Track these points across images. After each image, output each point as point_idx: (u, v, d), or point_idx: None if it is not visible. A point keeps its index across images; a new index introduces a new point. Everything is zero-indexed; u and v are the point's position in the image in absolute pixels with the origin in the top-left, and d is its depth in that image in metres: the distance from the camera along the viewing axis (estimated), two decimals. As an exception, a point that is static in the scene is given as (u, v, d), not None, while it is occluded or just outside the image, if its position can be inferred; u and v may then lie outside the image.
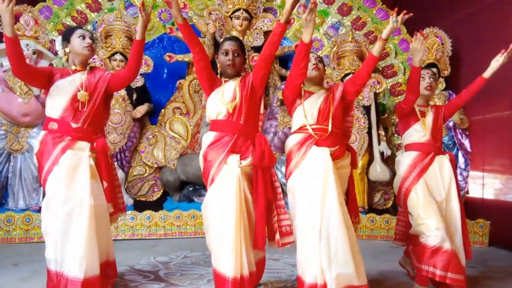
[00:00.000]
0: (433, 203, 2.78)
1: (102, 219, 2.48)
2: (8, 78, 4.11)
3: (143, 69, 4.71)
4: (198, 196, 4.60)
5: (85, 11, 5.09)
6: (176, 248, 3.77)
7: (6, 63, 4.15)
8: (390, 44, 5.36)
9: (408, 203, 2.84)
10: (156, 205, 4.50)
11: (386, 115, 5.13)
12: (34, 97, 4.13)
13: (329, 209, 2.33)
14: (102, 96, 2.57)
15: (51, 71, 2.55)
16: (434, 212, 2.73)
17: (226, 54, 2.54)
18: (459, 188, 2.95)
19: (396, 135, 5.07)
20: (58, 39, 2.66)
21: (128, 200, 4.44)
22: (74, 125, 2.47)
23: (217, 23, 4.87)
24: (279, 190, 2.52)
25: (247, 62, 4.93)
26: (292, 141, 2.57)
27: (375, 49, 2.52)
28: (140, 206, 4.41)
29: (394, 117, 4.95)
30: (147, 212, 4.16)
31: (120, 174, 4.40)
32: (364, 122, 4.74)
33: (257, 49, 4.99)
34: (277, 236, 2.43)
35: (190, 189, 4.66)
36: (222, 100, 2.48)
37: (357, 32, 5.23)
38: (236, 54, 2.53)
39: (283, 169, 4.59)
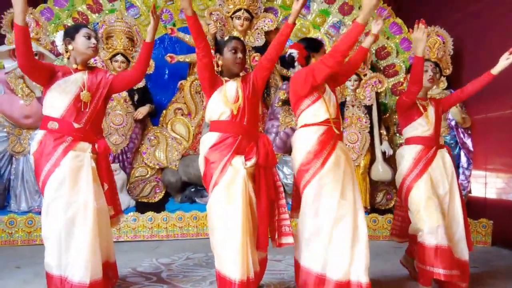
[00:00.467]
0: (435, 199, 2.78)
1: (103, 222, 2.47)
2: (10, 80, 4.11)
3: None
4: (200, 197, 4.60)
5: (86, 12, 5.09)
6: (179, 249, 3.77)
7: (8, 65, 4.18)
8: (391, 43, 5.35)
9: (409, 199, 2.84)
10: (158, 207, 4.50)
11: (387, 114, 5.12)
12: (36, 99, 4.13)
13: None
14: (104, 97, 2.55)
15: (53, 68, 2.49)
16: (435, 209, 2.73)
17: (235, 52, 2.50)
18: (458, 182, 2.97)
19: (398, 134, 5.06)
20: (60, 34, 2.54)
21: (130, 202, 4.44)
22: (76, 126, 2.43)
23: (218, 23, 4.86)
24: (281, 189, 2.52)
25: (248, 62, 4.93)
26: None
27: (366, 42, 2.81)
28: (142, 207, 4.41)
29: (396, 116, 4.94)
30: (149, 214, 4.16)
31: (122, 175, 4.41)
32: (365, 122, 4.73)
33: (258, 49, 4.98)
34: (276, 236, 2.44)
35: (192, 190, 4.66)
36: (225, 100, 2.45)
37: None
38: (243, 53, 2.52)
39: (285, 169, 4.62)
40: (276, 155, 4.63)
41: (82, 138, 2.44)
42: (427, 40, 4.73)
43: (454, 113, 4.63)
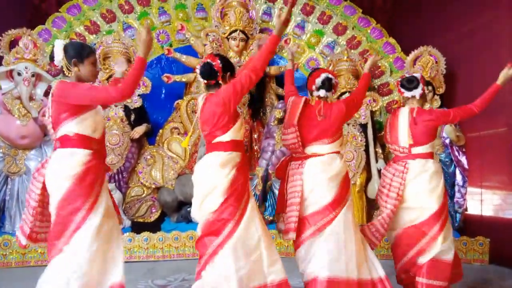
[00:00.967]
0: None
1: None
2: (6, 101, 4.13)
3: (141, 90, 4.75)
4: (196, 216, 4.57)
5: (84, 33, 5.15)
6: (174, 270, 3.73)
7: (5, 86, 4.20)
8: (385, 62, 5.43)
9: None
10: (154, 226, 4.47)
11: (383, 132, 5.15)
12: (33, 119, 4.14)
13: None
14: None
15: None
16: None
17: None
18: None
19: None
20: (58, 43, 2.38)
21: (126, 222, 4.41)
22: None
23: (214, 44, 4.93)
24: None
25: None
26: None
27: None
28: (137, 227, 4.38)
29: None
30: (145, 234, 4.13)
31: (117, 195, 4.39)
32: (361, 140, 4.76)
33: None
34: None
35: (189, 209, 4.61)
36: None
37: (352, 51, 5.30)
38: None
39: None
40: (272, 173, 4.64)
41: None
42: (420, 60, 4.83)
43: (448, 131, 4.67)
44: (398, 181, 2.91)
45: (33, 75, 4.18)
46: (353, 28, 5.53)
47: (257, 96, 5.03)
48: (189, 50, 5.23)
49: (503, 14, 4.40)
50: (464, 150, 4.74)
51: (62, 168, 2.28)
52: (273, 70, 5.22)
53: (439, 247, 2.82)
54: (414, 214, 2.90)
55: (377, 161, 4.76)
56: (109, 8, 5.25)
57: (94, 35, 5.17)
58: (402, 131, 2.97)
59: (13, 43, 4.30)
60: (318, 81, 2.81)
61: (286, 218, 2.77)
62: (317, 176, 2.71)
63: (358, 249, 2.70)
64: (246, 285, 2.38)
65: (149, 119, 4.86)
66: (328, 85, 2.81)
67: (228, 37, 5.02)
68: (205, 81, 2.57)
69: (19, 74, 4.13)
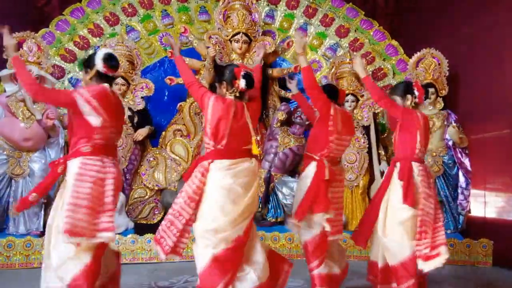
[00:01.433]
0: None
1: None
2: (10, 103, 4.15)
3: (144, 92, 4.76)
4: (199, 218, 4.57)
5: (87, 36, 5.18)
6: (177, 272, 3.73)
7: (9, 88, 4.22)
8: (388, 64, 5.43)
9: None
10: (157, 228, 4.45)
11: (385, 134, 5.15)
12: (36, 121, 4.16)
13: None
14: None
15: None
16: None
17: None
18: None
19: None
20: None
21: (129, 224, 4.42)
22: None
23: (217, 46, 4.94)
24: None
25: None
26: None
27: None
28: (140, 229, 4.38)
29: (392, 136, 4.96)
30: (148, 236, 4.13)
31: (121, 197, 4.40)
32: (364, 142, 4.76)
33: (257, 71, 5.05)
34: None
35: (191, 211, 4.64)
36: None
37: (354, 53, 5.30)
38: None
39: (284, 190, 4.63)
40: (275, 175, 4.66)
41: None
42: (423, 62, 4.82)
43: (451, 133, 4.66)
44: None
45: (37, 78, 4.19)
46: (355, 31, 5.53)
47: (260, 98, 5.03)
48: (192, 53, 5.24)
49: (506, 16, 4.40)
50: (467, 152, 4.73)
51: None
52: (275, 72, 5.22)
53: None
54: None
55: (380, 163, 4.76)
56: (113, 11, 5.27)
57: (98, 38, 5.19)
58: None
59: (16, 46, 4.31)
60: None
61: None
62: None
63: None
64: None
65: (152, 121, 4.87)
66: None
67: (231, 39, 5.03)
68: (246, 89, 2.66)
69: (23, 76, 4.14)
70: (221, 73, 2.75)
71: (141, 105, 4.71)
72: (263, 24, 5.42)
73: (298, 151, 4.69)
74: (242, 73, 2.62)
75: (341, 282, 3.05)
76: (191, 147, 4.94)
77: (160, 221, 4.67)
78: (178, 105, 5.13)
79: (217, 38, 5.00)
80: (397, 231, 2.85)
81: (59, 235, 2.38)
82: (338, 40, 5.52)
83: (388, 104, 2.99)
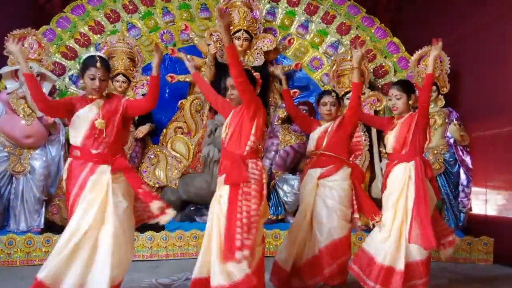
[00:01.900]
0: None
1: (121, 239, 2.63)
2: (11, 100, 4.14)
3: (145, 90, 4.75)
4: (200, 215, 4.58)
5: (88, 34, 5.17)
6: (178, 269, 3.73)
7: (10, 85, 4.21)
8: (389, 62, 5.42)
9: None
10: (158, 226, 4.46)
11: (386, 132, 5.14)
12: (37, 119, 4.15)
13: None
14: (120, 122, 2.73)
15: (70, 102, 2.72)
16: None
17: (226, 89, 2.83)
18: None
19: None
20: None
21: (130, 221, 4.41)
22: (94, 151, 2.65)
23: (218, 43, 4.93)
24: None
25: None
26: None
27: (354, 77, 3.09)
28: (141, 226, 4.29)
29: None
30: (149, 233, 4.14)
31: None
32: (365, 140, 4.75)
33: (257, 69, 5.04)
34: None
35: (192, 208, 4.64)
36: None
37: (356, 50, 5.27)
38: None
39: (285, 187, 4.62)
40: (276, 173, 4.66)
41: (101, 162, 2.65)
42: (424, 60, 4.82)
43: (452, 131, 4.65)
44: None
45: (37, 75, 4.18)
46: (357, 28, 5.52)
47: (260, 95, 5.01)
48: (193, 50, 5.24)
49: (508, 13, 4.39)
50: (468, 149, 4.73)
51: None
52: (276, 69, 5.21)
53: None
54: None
55: (381, 161, 4.75)
56: (113, 8, 5.26)
57: (99, 35, 5.18)
58: None
59: (23, 54, 4.31)
60: None
61: None
62: None
63: None
64: None
65: (152, 118, 4.86)
66: None
67: (232, 36, 5.01)
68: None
69: (24, 74, 4.14)
70: None
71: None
72: (264, 21, 5.41)
73: (299, 148, 4.68)
74: None
75: None
76: (192, 145, 4.94)
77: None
78: (179, 102, 5.13)
79: (218, 36, 4.99)
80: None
81: None
82: (339, 38, 5.51)
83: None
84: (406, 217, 2.91)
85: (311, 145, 3.29)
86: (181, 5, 5.43)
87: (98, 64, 2.66)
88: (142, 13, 5.34)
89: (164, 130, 5.06)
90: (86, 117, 2.66)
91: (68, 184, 2.64)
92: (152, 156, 4.79)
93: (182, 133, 5.03)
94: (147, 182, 4.70)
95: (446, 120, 4.72)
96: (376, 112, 4.95)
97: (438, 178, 4.59)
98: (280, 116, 4.81)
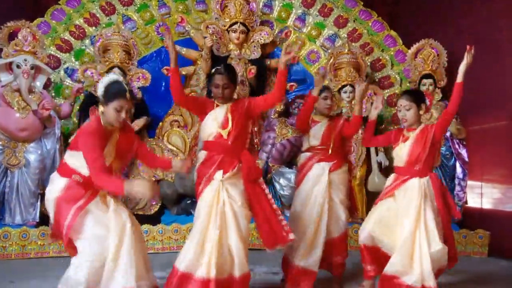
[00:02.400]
0: None
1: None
2: (6, 93, 4.11)
3: (140, 83, 4.73)
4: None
5: (83, 26, 5.12)
6: (174, 262, 3.72)
7: (4, 78, 4.18)
8: (386, 55, 5.41)
9: None
10: (154, 219, 4.46)
11: (383, 125, 5.14)
12: (32, 112, 4.12)
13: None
14: (130, 157, 2.72)
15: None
16: None
17: (217, 87, 2.75)
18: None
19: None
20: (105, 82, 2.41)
21: (126, 214, 4.41)
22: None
23: (214, 36, 4.90)
24: (270, 196, 2.74)
25: (245, 75, 4.95)
26: None
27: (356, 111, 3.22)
28: (137, 220, 4.33)
29: (391, 127, 4.95)
30: (145, 226, 4.13)
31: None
32: (361, 133, 4.74)
33: (254, 62, 5.02)
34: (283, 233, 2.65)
35: (188, 202, 4.63)
36: (215, 124, 2.73)
37: (353, 44, 5.26)
38: (225, 87, 2.73)
39: (282, 181, 4.62)
40: (273, 166, 4.64)
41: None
42: (422, 53, 4.80)
43: (449, 124, 4.66)
44: None
45: (32, 68, 4.16)
46: (354, 21, 5.49)
47: (257, 89, 5.01)
48: (189, 43, 5.20)
49: (504, 7, 4.37)
50: (464, 143, 4.73)
51: None
52: (273, 63, 5.18)
53: None
54: None
55: (377, 154, 4.75)
56: (109, 1, 5.20)
57: (94, 28, 5.14)
58: None
59: (12, 35, 4.28)
60: None
61: None
62: None
63: None
64: None
65: (148, 112, 4.84)
66: None
67: (228, 29, 4.99)
68: None
69: (18, 66, 4.11)
70: None
71: (137, 96, 4.67)
72: (261, 14, 5.37)
73: (295, 142, 4.67)
74: None
75: None
76: (188, 138, 4.93)
77: (157, 212, 4.73)
78: (175, 95, 5.09)
79: (214, 28, 4.96)
80: (440, 239, 2.78)
81: None
82: (336, 31, 5.48)
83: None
84: (427, 231, 2.75)
85: (313, 141, 3.24)
86: (177, -3, 5.39)
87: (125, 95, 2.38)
88: (138, 6, 5.29)
89: (160, 124, 5.04)
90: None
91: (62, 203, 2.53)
92: (148, 150, 4.77)
93: (178, 127, 5.01)
94: (143, 175, 4.69)
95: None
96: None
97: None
98: (277, 109, 4.80)
